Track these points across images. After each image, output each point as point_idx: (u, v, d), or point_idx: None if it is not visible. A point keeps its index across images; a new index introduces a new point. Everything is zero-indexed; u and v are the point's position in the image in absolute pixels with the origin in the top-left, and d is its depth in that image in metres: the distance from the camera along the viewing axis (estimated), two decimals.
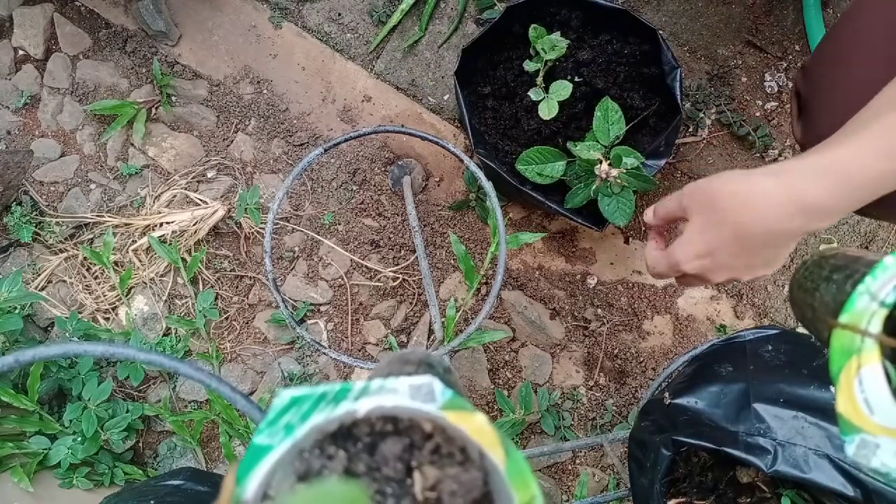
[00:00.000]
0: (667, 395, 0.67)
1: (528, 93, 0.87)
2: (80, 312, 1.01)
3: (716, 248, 0.50)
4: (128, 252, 1.02)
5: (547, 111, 0.86)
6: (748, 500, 0.64)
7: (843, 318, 0.28)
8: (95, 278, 1.03)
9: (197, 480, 0.72)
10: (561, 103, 0.86)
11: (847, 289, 0.30)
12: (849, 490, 0.53)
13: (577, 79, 0.90)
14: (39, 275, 1.02)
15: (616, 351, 1.00)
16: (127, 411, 0.96)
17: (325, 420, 0.22)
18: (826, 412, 0.58)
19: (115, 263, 1.02)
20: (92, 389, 0.95)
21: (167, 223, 1.01)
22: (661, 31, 0.88)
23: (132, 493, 0.70)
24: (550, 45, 0.85)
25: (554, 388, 1.00)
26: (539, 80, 0.88)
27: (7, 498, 0.89)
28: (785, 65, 1.03)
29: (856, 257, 0.32)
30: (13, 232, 1.02)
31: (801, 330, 0.98)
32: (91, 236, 1.04)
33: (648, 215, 0.59)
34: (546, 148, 0.88)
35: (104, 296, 1.02)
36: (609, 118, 0.85)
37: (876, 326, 0.28)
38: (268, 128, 1.05)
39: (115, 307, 1.03)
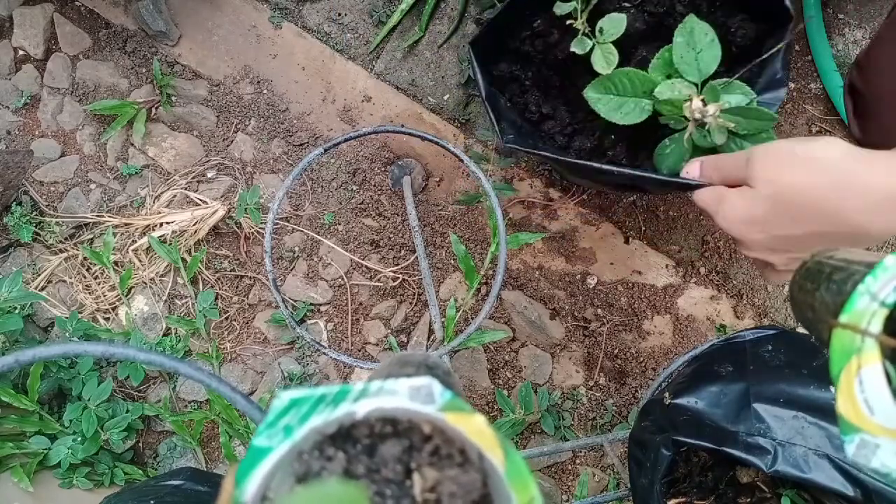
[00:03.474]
0: (667, 395, 0.67)
1: (571, 47, 0.66)
2: (80, 312, 1.01)
3: (784, 235, 0.46)
4: (128, 252, 1.02)
5: (604, 62, 0.65)
6: (748, 500, 0.64)
7: (844, 318, 0.28)
8: (95, 278, 1.03)
9: (197, 480, 0.72)
10: (619, 47, 0.65)
11: (847, 289, 0.30)
12: (849, 490, 0.53)
13: (631, 8, 0.68)
14: (39, 275, 1.02)
15: (616, 351, 1.00)
16: (127, 411, 0.96)
17: (324, 422, 0.22)
18: (826, 412, 0.58)
19: (115, 263, 1.02)
20: (92, 389, 0.95)
21: (167, 223, 1.01)
22: None
23: (132, 493, 0.70)
24: None
25: (554, 388, 1.00)
26: (580, 22, 0.65)
27: (7, 498, 0.89)
28: None
29: (856, 258, 0.32)
30: (13, 232, 1.02)
31: (801, 330, 0.98)
32: (91, 236, 1.04)
33: (693, 168, 0.54)
34: (635, 71, 0.64)
35: (104, 296, 1.02)
36: (697, 43, 0.62)
37: (876, 326, 0.28)
38: (268, 128, 1.05)
39: (115, 307, 1.03)
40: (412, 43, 1.03)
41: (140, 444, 1.01)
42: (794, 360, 0.64)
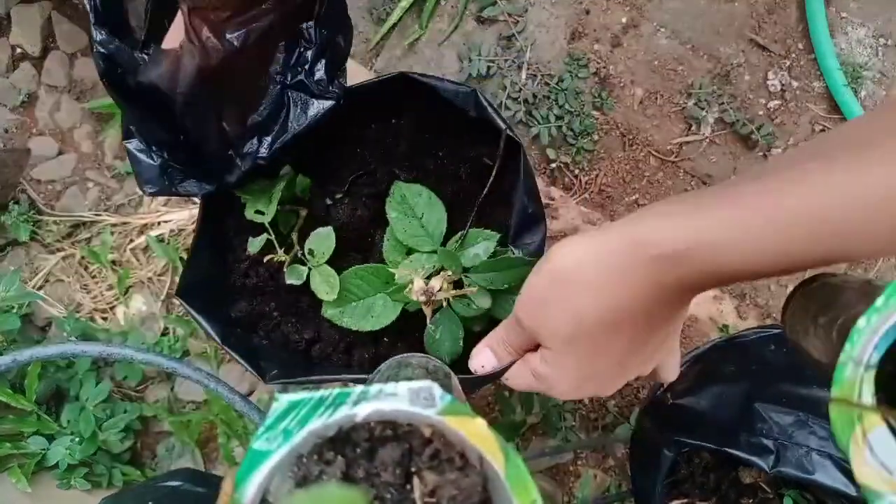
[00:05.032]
0: (669, 395, 0.67)
1: (286, 279, 0.59)
2: (77, 312, 1.00)
3: (615, 361, 0.39)
4: (125, 251, 1.02)
5: (327, 287, 0.56)
6: (750, 500, 0.64)
7: (835, 393, 0.28)
8: (93, 277, 1.03)
9: (195, 482, 0.72)
10: (351, 242, 0.58)
11: (833, 337, 0.30)
12: (851, 490, 0.53)
13: (343, 199, 0.62)
14: (37, 274, 1.02)
15: None
16: (125, 412, 0.96)
17: (323, 425, 0.21)
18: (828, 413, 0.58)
19: (113, 262, 1.02)
20: (90, 390, 0.94)
21: (165, 222, 1.01)
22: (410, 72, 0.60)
23: (130, 494, 0.70)
24: (265, 200, 0.56)
25: None
26: (281, 254, 0.58)
27: (5, 499, 0.88)
28: (788, 63, 1.02)
29: (837, 292, 0.32)
30: (11, 231, 1.01)
31: None
32: (89, 235, 1.04)
33: (488, 359, 0.45)
34: (366, 268, 0.57)
35: (102, 295, 1.02)
36: (415, 209, 0.56)
37: (868, 393, 0.27)
38: None
39: (113, 306, 1.03)
40: (412, 41, 1.03)
41: (138, 445, 1.01)
42: (796, 360, 0.64)
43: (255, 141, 0.56)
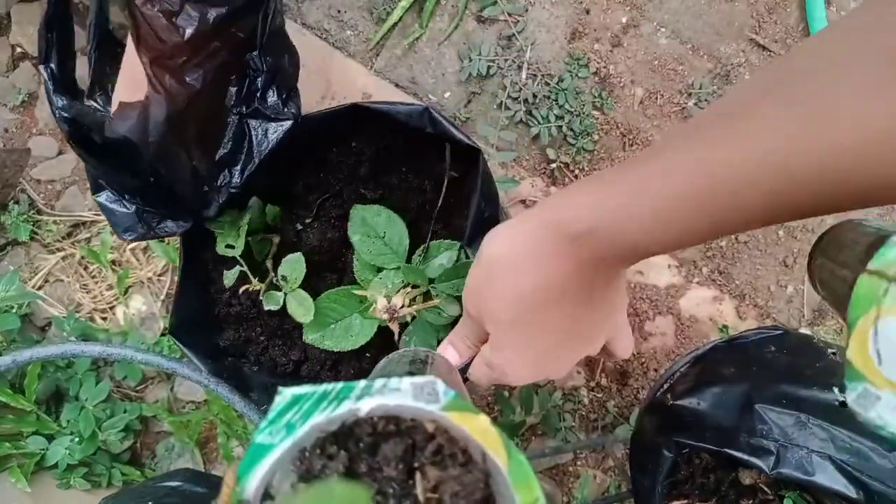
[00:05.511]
0: (669, 396, 0.67)
1: (265, 305, 0.60)
2: (77, 312, 1.00)
3: (564, 332, 0.40)
4: (125, 251, 1.02)
5: (302, 310, 0.58)
6: (750, 501, 0.63)
7: (873, 265, 0.28)
8: (93, 277, 1.03)
9: (195, 482, 0.72)
10: (325, 265, 0.60)
11: (875, 245, 0.30)
12: (851, 492, 0.53)
13: (311, 229, 0.64)
14: (37, 274, 1.02)
15: None
16: (125, 412, 0.96)
17: (326, 419, 0.21)
18: (829, 413, 0.58)
19: (113, 262, 1.02)
20: (89, 389, 0.94)
21: None
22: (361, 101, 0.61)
23: (130, 494, 0.70)
24: (236, 231, 0.58)
25: (555, 389, 1.00)
26: (256, 283, 0.60)
27: (5, 499, 0.88)
28: None
29: (874, 228, 0.32)
30: (11, 230, 1.01)
31: (804, 330, 0.98)
32: (88, 235, 1.03)
33: (450, 355, 0.46)
34: (338, 291, 0.58)
35: (101, 295, 1.02)
36: (376, 229, 0.57)
37: None
38: None
39: (113, 306, 1.02)
40: (412, 40, 1.03)
41: (138, 445, 1.01)
42: (796, 361, 0.64)
43: (225, 173, 0.59)
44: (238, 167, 0.59)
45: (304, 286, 0.60)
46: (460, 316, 0.54)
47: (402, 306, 0.51)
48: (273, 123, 0.59)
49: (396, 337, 0.55)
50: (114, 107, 0.53)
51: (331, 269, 0.67)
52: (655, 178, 0.32)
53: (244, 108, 0.58)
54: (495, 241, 0.39)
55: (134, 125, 0.50)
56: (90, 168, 0.57)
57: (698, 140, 0.31)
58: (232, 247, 0.60)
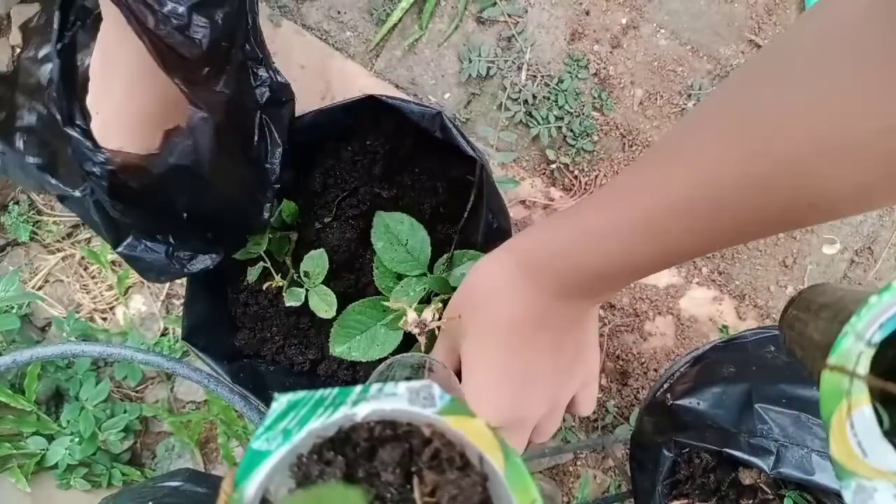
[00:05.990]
0: (668, 396, 0.67)
1: (286, 302, 0.61)
2: (77, 312, 1.00)
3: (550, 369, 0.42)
4: None
5: (325, 306, 0.59)
6: (750, 501, 0.63)
7: (832, 360, 0.28)
8: (93, 278, 1.03)
9: (195, 482, 0.72)
10: (346, 266, 0.59)
11: (835, 328, 0.30)
12: None
13: (332, 222, 0.64)
14: (37, 274, 1.02)
15: (618, 352, 1.00)
16: (125, 412, 0.96)
17: (322, 425, 0.21)
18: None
19: (113, 263, 1.02)
20: (89, 390, 0.94)
21: None
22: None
23: (130, 494, 0.70)
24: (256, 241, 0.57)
25: None
26: (278, 280, 0.60)
27: (5, 499, 0.88)
28: None
29: (843, 294, 0.32)
30: (10, 231, 1.01)
31: None
32: (88, 236, 1.03)
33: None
34: (363, 302, 0.57)
35: (101, 295, 1.02)
36: (399, 237, 0.57)
37: (864, 367, 0.27)
38: None
39: (113, 307, 1.03)
40: (412, 41, 1.03)
41: (138, 445, 1.01)
42: (796, 361, 0.64)
43: (264, 170, 0.58)
44: (269, 159, 0.58)
45: (323, 284, 0.60)
46: None
47: (432, 319, 0.51)
48: (283, 101, 0.59)
49: (423, 349, 0.54)
50: (103, 137, 0.49)
51: (348, 270, 0.67)
52: (595, 216, 0.35)
53: (261, 99, 0.57)
54: (478, 272, 0.42)
55: (185, 151, 0.49)
56: (113, 217, 0.53)
57: (630, 178, 0.35)
58: (257, 244, 0.61)
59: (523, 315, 0.39)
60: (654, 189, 0.32)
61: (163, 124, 0.50)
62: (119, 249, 0.56)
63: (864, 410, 0.26)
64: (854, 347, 0.27)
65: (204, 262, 0.58)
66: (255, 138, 0.57)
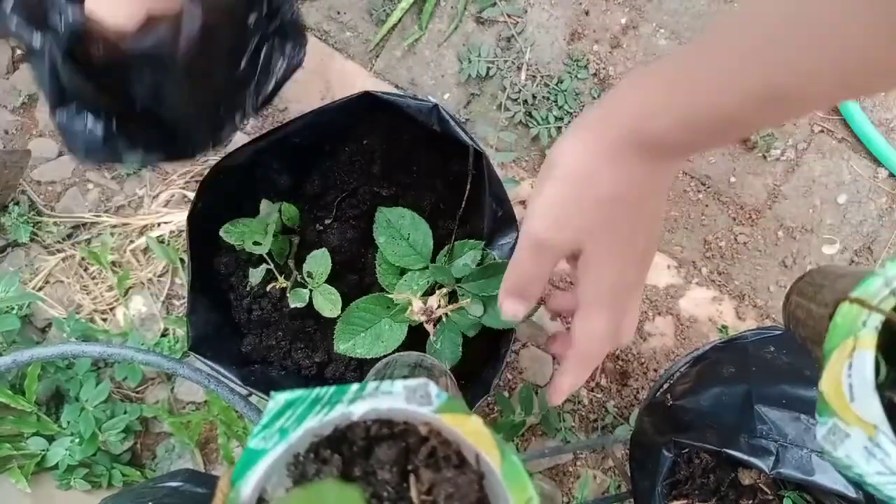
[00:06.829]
0: (668, 396, 0.67)
1: (290, 303, 0.61)
2: (77, 313, 1.00)
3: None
4: (125, 252, 1.02)
5: (329, 305, 0.59)
6: (750, 501, 0.63)
7: (856, 293, 0.28)
8: (93, 278, 1.03)
9: (195, 482, 0.72)
10: (346, 266, 0.59)
11: (849, 285, 0.30)
12: (851, 492, 0.53)
13: (332, 223, 0.64)
14: (37, 275, 1.02)
15: (617, 352, 1.00)
16: (125, 412, 0.96)
17: (319, 423, 0.21)
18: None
19: (113, 264, 1.02)
20: (90, 390, 0.94)
21: (165, 223, 1.01)
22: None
23: (130, 494, 0.70)
24: (259, 229, 0.57)
25: None
26: (282, 282, 0.60)
27: (5, 500, 0.88)
28: None
29: (854, 271, 0.32)
30: (11, 232, 1.01)
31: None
32: (89, 236, 1.04)
33: (514, 309, 0.43)
34: (366, 299, 0.58)
35: (102, 296, 1.02)
36: (401, 231, 0.58)
37: (888, 305, 0.28)
38: (266, 127, 1.05)
39: (113, 307, 1.03)
40: (412, 42, 1.03)
41: (138, 446, 1.01)
42: (796, 361, 0.64)
43: (241, 94, 0.55)
44: (252, 89, 0.55)
45: (326, 283, 0.60)
46: (482, 320, 0.55)
47: (438, 306, 0.52)
48: (289, 44, 0.56)
49: (433, 337, 0.54)
50: (94, 9, 0.46)
51: (350, 270, 0.67)
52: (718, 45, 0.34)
53: (267, 28, 0.54)
54: (568, 153, 0.38)
55: (163, 39, 0.45)
56: (62, 83, 0.48)
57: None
58: (259, 244, 0.60)
59: (631, 179, 0.37)
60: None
61: (153, 3, 0.47)
62: (56, 116, 0.51)
63: (865, 355, 0.26)
64: (880, 290, 0.28)
65: (137, 158, 0.54)
66: (245, 60, 0.53)
